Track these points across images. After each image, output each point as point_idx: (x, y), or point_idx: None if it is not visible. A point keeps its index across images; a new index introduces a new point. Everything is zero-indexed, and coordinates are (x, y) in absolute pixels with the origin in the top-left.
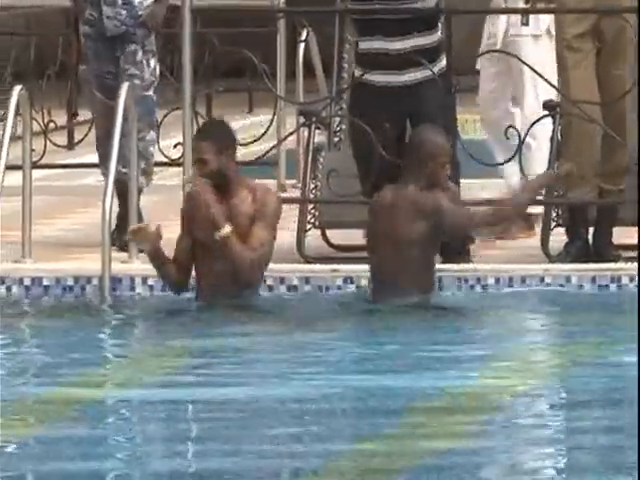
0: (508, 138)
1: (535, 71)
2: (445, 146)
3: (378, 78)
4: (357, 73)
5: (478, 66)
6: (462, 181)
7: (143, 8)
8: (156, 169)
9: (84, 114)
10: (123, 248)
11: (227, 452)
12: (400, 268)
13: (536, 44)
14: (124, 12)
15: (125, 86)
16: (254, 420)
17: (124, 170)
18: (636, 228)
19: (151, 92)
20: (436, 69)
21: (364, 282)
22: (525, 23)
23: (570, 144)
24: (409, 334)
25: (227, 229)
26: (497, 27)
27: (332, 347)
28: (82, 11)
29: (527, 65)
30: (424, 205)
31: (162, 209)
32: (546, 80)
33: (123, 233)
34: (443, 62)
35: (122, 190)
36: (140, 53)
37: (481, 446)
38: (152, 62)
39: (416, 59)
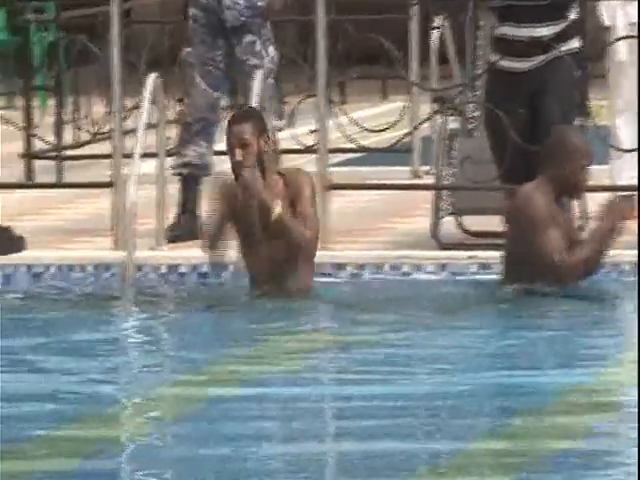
0: None
1: None
2: (586, 149)
3: (510, 64)
4: (493, 59)
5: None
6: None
7: None
8: (290, 156)
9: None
10: None
11: (359, 448)
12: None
13: None
14: (242, 2)
15: (259, 74)
16: (381, 416)
17: None
18: None
19: (271, 80)
20: (564, 49)
21: (499, 268)
22: None
23: None
24: (547, 324)
25: (279, 207)
26: None
27: (466, 339)
28: None
29: None
30: (526, 214)
31: None
32: None
33: None
34: (573, 43)
35: None
36: (258, 43)
37: (609, 445)
38: (270, 50)
39: (548, 44)
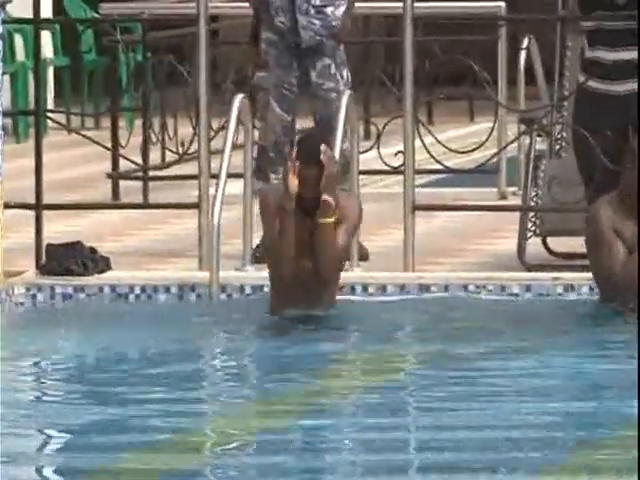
0: None
1: None
2: None
3: (600, 86)
4: (581, 80)
5: None
6: None
7: (336, 18)
8: (376, 177)
9: (301, 122)
10: None
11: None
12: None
13: None
14: (317, 22)
15: (347, 96)
16: (461, 448)
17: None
18: None
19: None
20: None
21: (585, 290)
22: None
23: None
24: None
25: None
26: None
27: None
28: (268, 18)
29: None
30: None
31: (382, 217)
32: None
33: None
34: None
35: None
36: (333, 67)
37: None
38: (344, 73)
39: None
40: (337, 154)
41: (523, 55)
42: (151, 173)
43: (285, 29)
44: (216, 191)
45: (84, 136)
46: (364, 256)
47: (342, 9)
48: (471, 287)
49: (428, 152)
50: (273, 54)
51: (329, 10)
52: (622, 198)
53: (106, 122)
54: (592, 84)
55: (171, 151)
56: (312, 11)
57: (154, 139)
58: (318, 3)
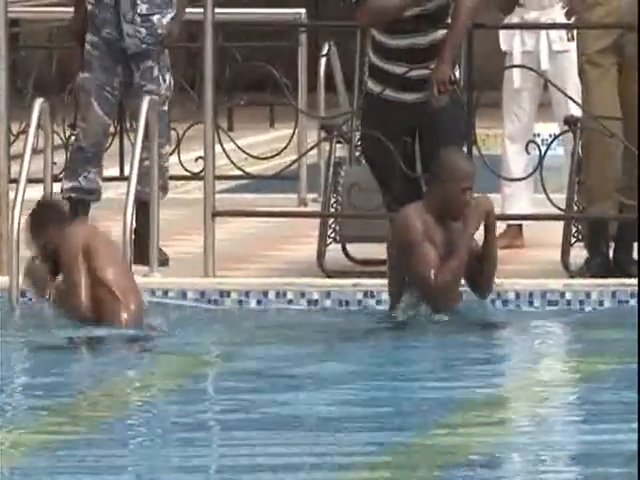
0: (529, 153)
1: (557, 87)
2: (467, 171)
3: (389, 93)
4: (369, 85)
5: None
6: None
7: (162, 26)
8: (177, 183)
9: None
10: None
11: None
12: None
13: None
14: (144, 30)
15: (147, 100)
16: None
17: (146, 190)
18: None
19: (166, 107)
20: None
21: (385, 297)
22: (571, 39)
23: (591, 159)
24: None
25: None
26: (537, 42)
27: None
28: (94, 29)
29: (551, 84)
30: (400, 237)
31: (182, 222)
32: (569, 96)
33: (140, 247)
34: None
35: (140, 206)
36: (156, 69)
37: None
38: (167, 77)
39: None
40: (137, 160)
41: (323, 62)
42: None
43: (112, 39)
44: (15, 196)
45: None
46: (164, 262)
47: (169, 16)
48: (271, 293)
49: (228, 158)
50: (97, 56)
51: (155, 18)
52: (430, 207)
53: None
54: (380, 90)
55: None
56: (138, 20)
57: None
58: (144, 12)
